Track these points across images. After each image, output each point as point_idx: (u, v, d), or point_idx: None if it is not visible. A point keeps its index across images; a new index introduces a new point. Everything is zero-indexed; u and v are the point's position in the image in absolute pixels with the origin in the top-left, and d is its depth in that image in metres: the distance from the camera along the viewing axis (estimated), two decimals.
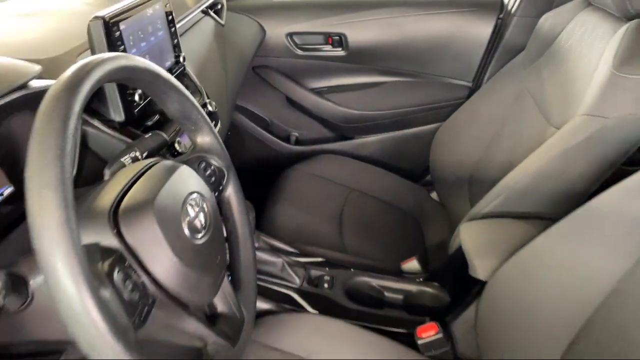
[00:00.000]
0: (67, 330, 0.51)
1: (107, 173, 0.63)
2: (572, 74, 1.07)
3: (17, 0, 1.02)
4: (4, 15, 0.88)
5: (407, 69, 1.62)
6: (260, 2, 1.64)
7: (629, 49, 0.91)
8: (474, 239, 0.93)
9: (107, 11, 0.70)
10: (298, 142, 1.80)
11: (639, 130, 0.92)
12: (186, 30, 1.15)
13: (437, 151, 1.54)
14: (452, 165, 1.42)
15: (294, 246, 1.16)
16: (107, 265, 0.44)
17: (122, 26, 0.72)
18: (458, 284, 0.98)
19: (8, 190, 0.67)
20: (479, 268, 0.87)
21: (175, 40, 0.93)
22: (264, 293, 1.01)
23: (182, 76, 0.97)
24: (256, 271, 0.71)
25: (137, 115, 0.78)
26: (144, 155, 0.66)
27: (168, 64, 0.90)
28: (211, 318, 0.61)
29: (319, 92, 1.69)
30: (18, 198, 0.67)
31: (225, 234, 0.69)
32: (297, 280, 1.05)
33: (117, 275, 0.44)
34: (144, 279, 0.47)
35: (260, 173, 1.71)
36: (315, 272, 1.09)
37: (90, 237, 0.46)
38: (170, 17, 0.91)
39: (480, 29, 1.50)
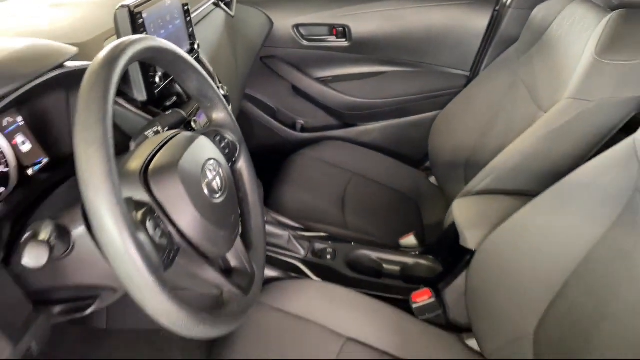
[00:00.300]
0: (104, 275, 0.59)
1: (132, 145, 0.70)
2: (560, 62, 1.13)
3: None
4: (40, 5, 0.95)
5: (408, 59, 1.68)
6: None
7: (610, 37, 0.97)
8: (465, 213, 0.99)
9: (131, 1, 0.77)
10: (304, 129, 1.86)
11: (619, 112, 0.98)
12: (199, 21, 1.21)
13: (435, 137, 1.60)
14: (450, 151, 1.48)
15: (299, 222, 1.23)
16: (140, 215, 0.51)
17: (144, 14, 0.79)
18: (451, 256, 1.05)
19: (44, 161, 0.74)
20: (469, 238, 0.94)
21: (191, 29, 1.00)
22: (272, 262, 1.08)
23: (197, 62, 1.04)
24: (265, 235, 0.78)
25: (158, 95, 0.84)
26: (165, 129, 0.73)
27: (184, 50, 0.97)
28: (226, 272, 0.68)
29: (323, 81, 1.75)
30: (53, 167, 0.75)
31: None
32: (302, 252, 1.12)
33: (149, 224, 0.51)
34: (170, 229, 0.55)
35: (267, 159, 1.77)
36: (319, 245, 1.16)
37: (125, 193, 0.53)
38: (186, 8, 0.98)
39: (477, 21, 1.56)
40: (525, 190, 1.04)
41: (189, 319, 0.50)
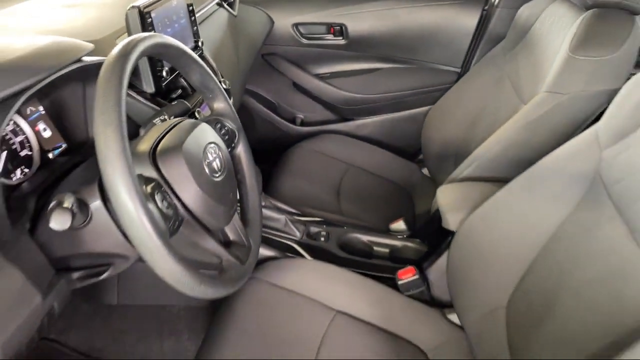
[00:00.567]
0: (117, 244, 0.66)
1: (142, 131, 0.78)
2: (541, 58, 1.19)
3: None
4: (55, 5, 1.03)
5: (402, 56, 1.74)
6: None
7: (583, 34, 1.03)
8: (447, 198, 1.06)
9: (141, 2, 0.85)
10: (303, 123, 1.93)
11: (591, 104, 1.05)
12: (203, 20, 1.28)
13: (427, 131, 1.66)
14: (441, 143, 1.54)
15: (296, 208, 1.30)
16: (149, 189, 0.58)
17: (153, 14, 0.86)
18: (435, 238, 1.12)
19: (63, 146, 0.81)
20: (450, 220, 1.00)
21: (195, 28, 1.07)
22: (269, 242, 1.15)
23: (201, 58, 1.11)
24: (261, 213, 0.85)
25: (164, 88, 0.92)
26: (171, 118, 0.81)
27: (188, 47, 1.04)
28: (225, 244, 0.75)
29: (322, 77, 1.82)
30: (70, 152, 0.82)
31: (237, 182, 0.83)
32: (298, 234, 1.19)
33: (157, 196, 0.58)
34: (175, 202, 0.62)
35: (268, 151, 1.84)
36: (313, 229, 1.23)
37: (136, 170, 0.60)
38: (190, 8, 1.05)
39: (467, 20, 1.62)
40: (504, 177, 1.10)
41: (191, 278, 0.56)
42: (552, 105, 1.05)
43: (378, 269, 1.14)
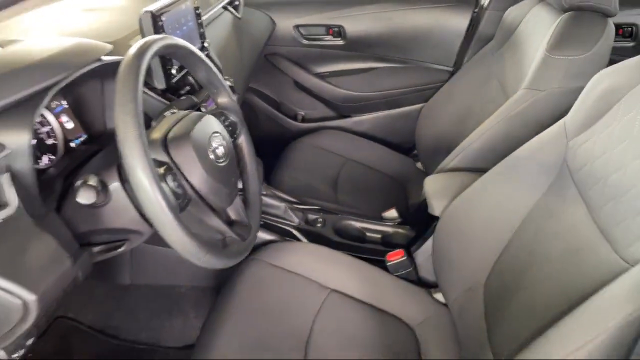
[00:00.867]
0: (133, 220, 0.74)
1: (154, 123, 0.85)
2: (523, 57, 1.27)
3: None
4: (74, 9, 1.11)
5: (397, 55, 1.82)
6: None
7: (559, 35, 1.11)
8: (433, 186, 1.14)
9: (153, 6, 0.92)
10: (304, 120, 2.00)
11: (567, 100, 1.11)
12: (210, 22, 1.36)
13: (421, 127, 1.73)
14: (433, 138, 1.61)
15: (295, 198, 1.38)
16: (162, 170, 0.66)
17: (164, 18, 0.94)
18: (422, 224, 1.19)
19: (84, 136, 0.90)
20: (435, 206, 1.08)
21: (202, 30, 1.15)
22: (269, 227, 1.23)
23: (207, 58, 1.19)
24: (261, 197, 0.93)
25: (174, 85, 1.00)
26: (180, 111, 0.88)
27: (196, 47, 1.12)
28: (228, 223, 0.83)
29: (321, 76, 1.89)
30: (90, 141, 0.90)
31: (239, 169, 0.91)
32: (296, 220, 1.27)
33: (168, 177, 0.66)
34: (184, 183, 0.70)
35: (271, 146, 1.92)
36: (311, 216, 1.31)
37: (150, 154, 0.69)
38: (197, 11, 1.13)
39: (459, 21, 1.69)
40: (486, 167, 1.17)
41: (198, 249, 0.64)
42: (530, 100, 1.12)
43: (370, 252, 1.22)
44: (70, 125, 0.87)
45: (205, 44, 1.16)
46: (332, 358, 0.93)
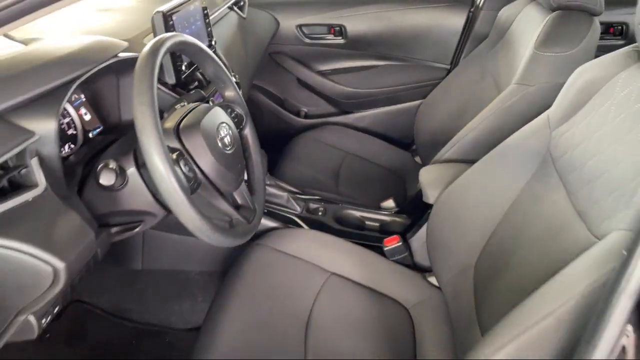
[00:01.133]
0: (148, 203, 0.80)
1: (165, 114, 0.92)
2: (515, 54, 1.32)
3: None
4: (90, 10, 1.17)
5: (396, 54, 1.87)
6: None
7: (547, 33, 1.16)
8: (428, 176, 1.19)
9: (164, 7, 0.99)
10: (307, 116, 2.05)
11: (554, 94, 1.16)
12: (217, 22, 1.42)
13: (420, 122, 1.78)
14: (431, 133, 1.67)
15: (297, 189, 1.43)
16: (175, 156, 0.72)
17: (174, 17, 1.00)
18: (418, 212, 1.25)
19: (100, 128, 0.96)
20: (429, 195, 1.13)
21: (209, 29, 1.21)
22: (273, 215, 1.29)
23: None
24: (265, 184, 0.99)
25: (183, 80, 1.06)
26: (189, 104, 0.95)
27: None
28: (235, 207, 0.89)
29: (323, 74, 1.95)
30: (106, 132, 0.97)
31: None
32: (298, 209, 1.33)
33: (180, 162, 0.72)
34: (195, 168, 0.76)
35: (275, 141, 1.97)
36: (312, 205, 1.37)
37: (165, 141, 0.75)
38: (205, 12, 1.19)
39: (455, 21, 1.75)
40: (478, 158, 1.23)
41: (208, 227, 0.70)
42: (520, 95, 1.17)
43: (368, 239, 1.28)
44: (88, 117, 0.93)
45: (213, 42, 1.22)
46: (331, 337, 0.99)
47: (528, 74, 1.17)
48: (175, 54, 1.03)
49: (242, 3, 1.66)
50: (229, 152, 0.82)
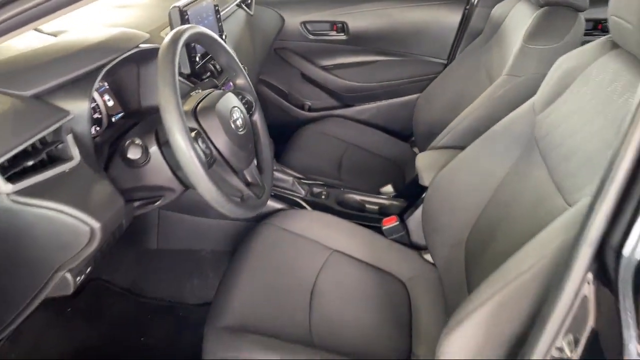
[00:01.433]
0: (168, 179, 0.88)
1: (181, 101, 0.99)
2: (507, 48, 1.39)
3: None
4: (109, 7, 1.25)
5: (395, 49, 1.95)
6: None
7: (535, 28, 1.23)
8: (424, 161, 1.27)
9: (180, 3, 1.06)
10: (310, 109, 2.13)
11: (540, 84, 1.24)
12: (226, 18, 1.49)
13: (418, 114, 1.85)
14: (429, 124, 1.74)
15: (301, 174, 1.51)
16: (193, 135, 0.80)
17: (189, 12, 1.08)
18: (415, 196, 1.33)
19: (121, 113, 1.04)
20: (424, 177, 1.21)
21: (220, 24, 1.29)
22: (279, 198, 1.36)
23: None
24: (272, 165, 1.06)
25: (197, 70, 1.14)
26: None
27: None
28: (246, 184, 0.96)
29: (326, 68, 2.02)
30: (127, 117, 1.04)
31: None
32: (303, 192, 1.41)
33: (198, 140, 0.80)
34: (210, 146, 0.83)
35: (279, 134, 2.04)
36: (316, 189, 1.44)
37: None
38: (216, 8, 1.26)
39: (452, 18, 1.82)
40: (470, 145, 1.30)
41: (222, 198, 0.78)
42: (510, 85, 1.25)
43: (368, 219, 1.35)
44: (111, 103, 1.01)
45: (223, 37, 1.29)
46: (334, 305, 1.07)
47: (517, 65, 1.24)
48: (190, 46, 1.11)
49: (249, 1, 1.74)
50: (241, 133, 0.90)
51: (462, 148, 1.30)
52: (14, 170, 0.64)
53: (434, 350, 0.73)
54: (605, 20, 1.74)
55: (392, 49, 1.96)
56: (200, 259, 1.41)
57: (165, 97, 0.73)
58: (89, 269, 0.79)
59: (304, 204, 1.38)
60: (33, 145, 0.69)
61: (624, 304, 0.52)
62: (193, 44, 1.10)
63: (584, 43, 1.20)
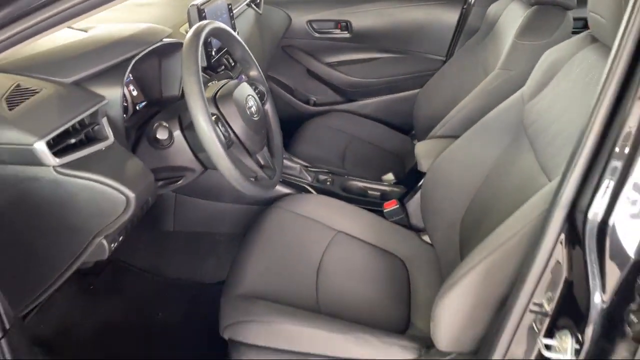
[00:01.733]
0: (189, 160, 0.96)
1: None
2: (500, 45, 1.46)
3: None
4: (130, 5, 1.34)
5: (397, 47, 2.03)
6: None
7: (526, 25, 1.31)
8: (423, 149, 1.35)
9: (198, 1, 1.15)
10: (315, 104, 2.20)
11: None
12: (237, 17, 1.57)
13: (418, 108, 1.93)
14: (428, 118, 1.80)
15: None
16: (214, 119, 0.88)
17: (206, 10, 1.16)
18: (414, 180, 1.41)
19: (144, 102, 1.12)
20: (423, 164, 1.29)
21: (233, 22, 1.37)
22: (287, 183, 1.44)
23: None
24: (282, 150, 1.15)
25: (213, 64, 1.22)
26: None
27: None
28: (259, 165, 1.04)
29: (331, 65, 2.10)
30: (149, 105, 1.12)
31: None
32: (309, 179, 1.49)
33: (218, 124, 0.88)
34: (229, 129, 0.92)
35: (286, 128, 2.11)
36: (321, 176, 1.52)
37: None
38: (229, 6, 1.35)
39: (450, 16, 1.89)
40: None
41: (240, 176, 0.86)
42: (502, 79, 1.32)
43: (370, 204, 1.43)
44: (135, 92, 1.09)
45: (236, 33, 1.37)
46: (339, 280, 1.15)
47: (509, 60, 1.32)
48: (207, 41, 1.19)
49: (258, 0, 1.82)
50: (255, 119, 0.98)
51: (458, 137, 1.39)
52: (59, 147, 0.73)
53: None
54: None
55: (393, 46, 2.04)
56: (214, 241, 1.49)
57: (190, 85, 0.81)
58: (121, 237, 0.87)
59: (310, 189, 1.46)
60: (73, 126, 0.78)
61: (590, 257, 0.60)
62: (209, 39, 1.18)
63: None
